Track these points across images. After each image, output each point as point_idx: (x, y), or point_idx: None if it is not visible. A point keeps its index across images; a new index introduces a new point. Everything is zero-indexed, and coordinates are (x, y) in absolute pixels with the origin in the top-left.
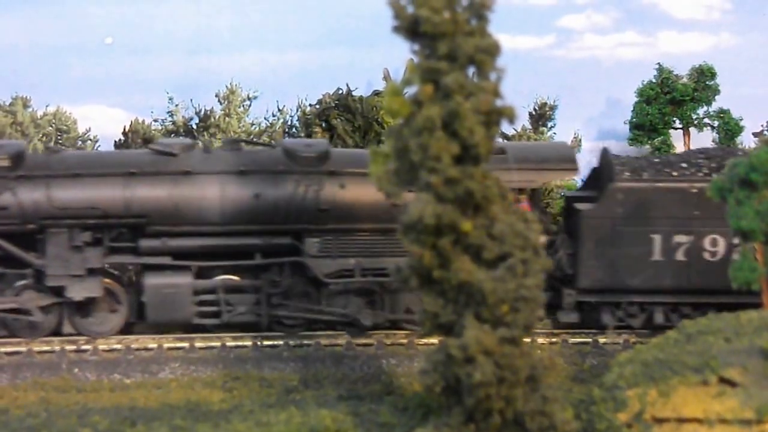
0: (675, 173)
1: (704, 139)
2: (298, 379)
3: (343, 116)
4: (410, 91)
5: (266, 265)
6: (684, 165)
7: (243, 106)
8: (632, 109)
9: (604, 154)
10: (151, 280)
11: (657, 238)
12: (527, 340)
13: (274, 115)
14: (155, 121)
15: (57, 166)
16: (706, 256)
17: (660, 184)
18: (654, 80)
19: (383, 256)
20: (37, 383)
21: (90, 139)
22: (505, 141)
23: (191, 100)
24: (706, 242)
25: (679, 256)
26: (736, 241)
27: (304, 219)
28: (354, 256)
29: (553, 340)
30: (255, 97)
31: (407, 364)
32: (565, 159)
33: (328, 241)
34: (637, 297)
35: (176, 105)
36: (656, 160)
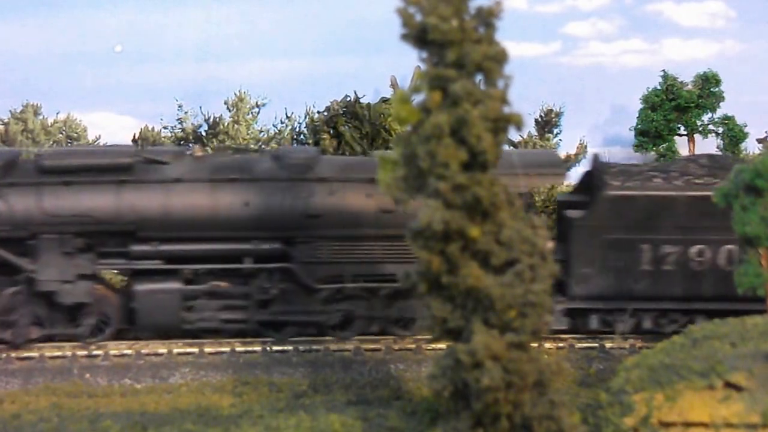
0: None
1: (709, 145)
2: (307, 384)
3: (351, 123)
4: (418, 98)
5: None
6: None
7: (251, 113)
8: (637, 115)
9: None
10: None
11: None
12: (535, 345)
13: (282, 122)
14: (165, 128)
15: None
16: None
17: None
18: (659, 87)
19: None
20: (48, 388)
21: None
22: None
23: (200, 107)
24: None
25: None
26: None
27: None
28: None
29: (560, 345)
30: (263, 105)
31: (415, 369)
32: None
33: None
34: None
35: (185, 112)
36: None
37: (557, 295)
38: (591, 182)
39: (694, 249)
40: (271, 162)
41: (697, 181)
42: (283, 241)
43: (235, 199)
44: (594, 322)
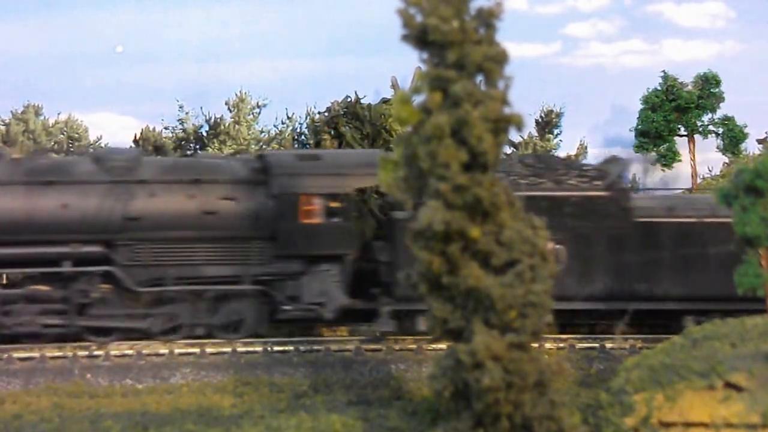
0: None
1: (709, 145)
2: (308, 384)
3: (352, 124)
4: (419, 99)
5: None
6: None
7: (252, 113)
8: (637, 116)
9: None
10: None
11: None
12: (535, 345)
13: (283, 123)
14: (165, 128)
15: None
16: None
17: None
18: (659, 88)
19: None
20: (50, 388)
21: (101, 147)
22: None
23: (201, 107)
24: None
25: None
26: None
27: None
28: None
29: (561, 345)
30: (264, 105)
31: (416, 369)
32: None
33: None
34: None
35: (186, 113)
36: None
37: (384, 297)
38: None
39: None
40: (92, 164)
41: (522, 180)
42: (104, 244)
43: (52, 202)
44: (421, 324)
